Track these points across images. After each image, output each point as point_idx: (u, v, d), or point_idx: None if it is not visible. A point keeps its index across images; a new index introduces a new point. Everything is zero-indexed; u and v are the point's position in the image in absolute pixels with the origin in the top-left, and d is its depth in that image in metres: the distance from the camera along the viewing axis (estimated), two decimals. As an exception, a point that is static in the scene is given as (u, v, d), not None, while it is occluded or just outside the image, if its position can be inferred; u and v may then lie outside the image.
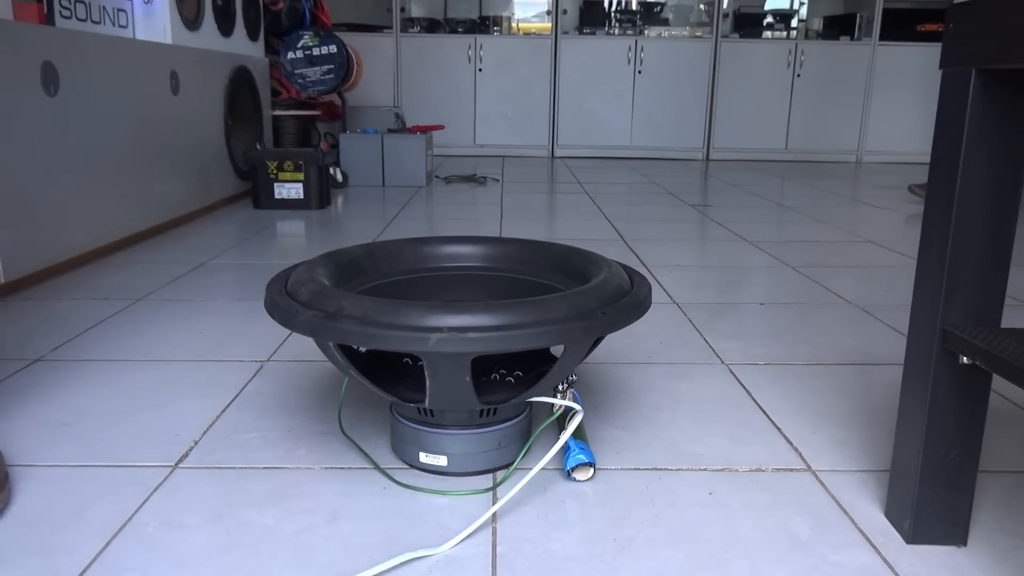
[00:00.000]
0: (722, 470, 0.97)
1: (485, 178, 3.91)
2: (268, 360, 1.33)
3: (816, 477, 0.96)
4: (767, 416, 1.13)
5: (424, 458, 0.95)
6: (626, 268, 1.05)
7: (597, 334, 0.85)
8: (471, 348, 0.77)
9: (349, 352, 0.93)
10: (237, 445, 1.02)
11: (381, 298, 0.80)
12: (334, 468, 0.96)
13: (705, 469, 0.97)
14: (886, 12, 5.04)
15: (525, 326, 0.79)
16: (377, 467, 0.96)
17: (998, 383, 1.24)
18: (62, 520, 0.84)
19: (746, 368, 1.32)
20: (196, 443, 1.02)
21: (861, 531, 0.84)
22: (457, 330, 0.75)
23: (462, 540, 0.81)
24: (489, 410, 0.92)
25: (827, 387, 1.25)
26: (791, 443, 1.05)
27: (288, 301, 0.87)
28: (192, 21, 2.70)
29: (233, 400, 1.16)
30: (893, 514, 0.85)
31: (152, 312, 1.60)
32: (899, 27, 5.05)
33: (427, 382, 0.82)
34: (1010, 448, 1.04)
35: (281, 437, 1.04)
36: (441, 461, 0.94)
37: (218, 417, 1.10)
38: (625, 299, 0.91)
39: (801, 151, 5.22)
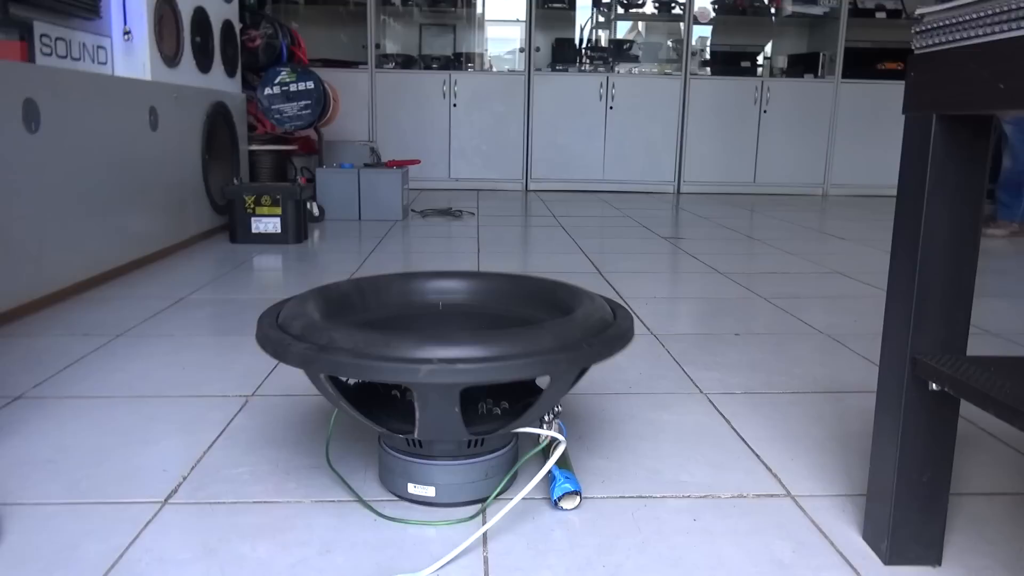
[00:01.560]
0: (705, 497, 1.00)
1: (461, 212, 3.95)
2: (253, 395, 1.34)
3: (796, 502, 0.99)
4: (746, 444, 1.16)
5: (413, 489, 0.96)
6: (609, 301, 1.08)
7: (582, 364, 0.87)
8: (460, 379, 0.79)
9: (338, 385, 0.95)
10: (226, 480, 1.02)
11: (372, 330, 0.82)
12: (324, 501, 0.97)
13: (689, 496, 1.00)
14: (848, 51, 5.21)
15: (512, 357, 0.81)
16: (361, 500, 0.97)
17: (965, 409, 1.29)
18: (53, 558, 0.83)
19: (724, 397, 1.36)
20: (185, 479, 1.03)
21: (840, 553, 0.87)
22: (447, 361, 0.77)
23: (446, 564, 0.82)
24: (477, 441, 0.94)
25: (803, 415, 1.28)
26: (770, 470, 1.08)
27: (280, 334, 0.89)
28: (171, 58, 2.73)
29: (220, 435, 1.17)
30: (870, 536, 0.88)
31: (133, 348, 1.60)
32: (860, 65, 5.23)
33: (417, 413, 0.84)
34: (978, 471, 1.08)
35: (270, 471, 1.05)
36: (429, 492, 0.95)
37: (205, 453, 1.11)
38: (609, 331, 0.94)
39: (769, 184, 5.35)
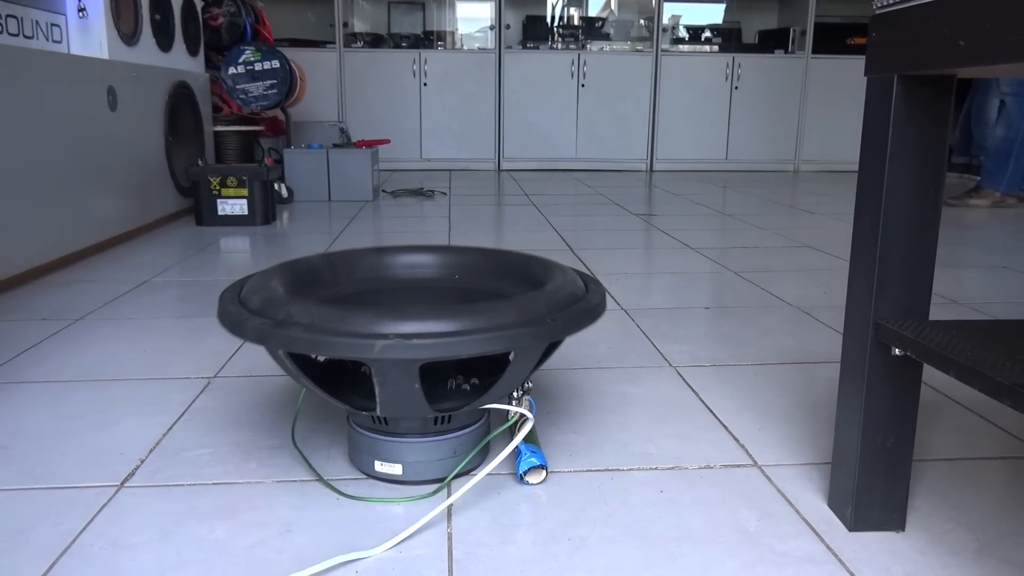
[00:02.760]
0: (672, 468, 0.99)
1: (432, 191, 3.92)
2: (216, 376, 1.31)
3: (762, 471, 0.98)
4: (714, 415, 1.16)
5: (379, 467, 0.95)
6: (582, 275, 1.06)
7: (546, 340, 0.86)
8: (416, 354, 0.77)
9: (307, 361, 0.93)
10: (185, 462, 1.00)
11: (331, 305, 0.80)
12: (287, 481, 0.95)
13: (656, 468, 0.99)
14: (818, 26, 5.22)
15: (471, 332, 0.79)
16: (320, 478, 0.95)
17: (929, 376, 1.30)
18: (1, 544, 0.81)
19: (693, 370, 1.35)
20: (142, 462, 1.00)
21: (806, 521, 0.87)
22: (403, 336, 0.75)
23: (407, 539, 0.81)
24: (443, 418, 0.92)
25: (770, 386, 1.28)
26: (738, 440, 1.07)
27: (239, 309, 0.87)
28: (129, 36, 2.65)
29: (180, 417, 1.14)
30: (835, 503, 0.88)
31: (93, 332, 1.56)
32: (830, 41, 5.24)
33: (376, 389, 0.82)
34: (940, 437, 1.09)
35: (230, 452, 1.03)
36: (396, 470, 0.94)
37: (165, 435, 1.08)
38: (577, 305, 0.93)
39: (741, 161, 5.36)
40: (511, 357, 0.86)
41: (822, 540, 0.83)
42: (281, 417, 1.14)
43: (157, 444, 1.05)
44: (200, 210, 2.89)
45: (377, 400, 0.84)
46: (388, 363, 0.78)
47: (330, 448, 1.04)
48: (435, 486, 0.94)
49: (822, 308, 1.75)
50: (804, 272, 2.15)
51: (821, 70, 5.26)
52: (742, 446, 1.06)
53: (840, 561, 0.79)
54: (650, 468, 0.99)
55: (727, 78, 5.23)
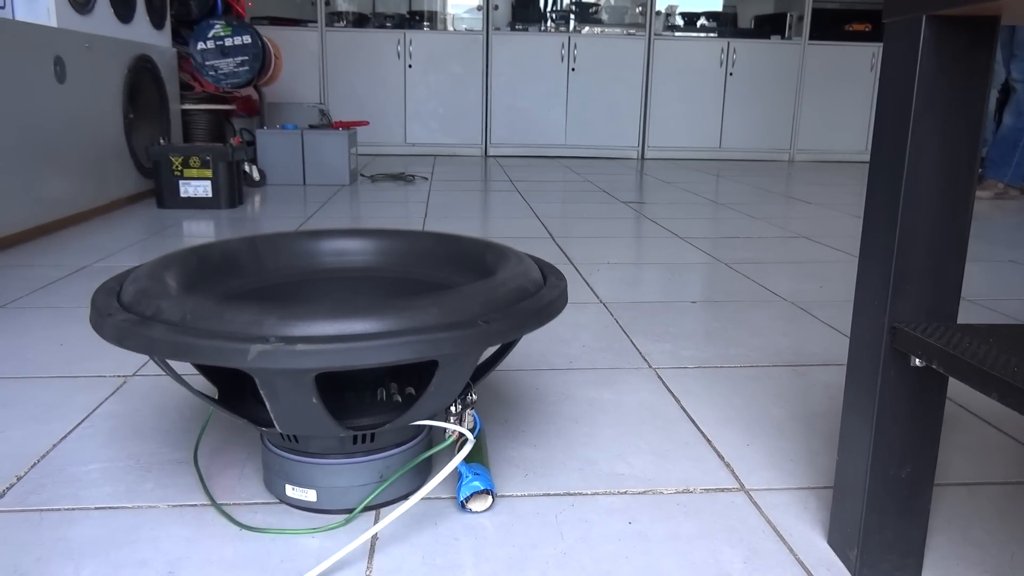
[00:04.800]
0: (645, 493, 0.84)
1: (413, 176, 3.75)
2: (134, 375, 1.16)
3: (750, 497, 0.84)
4: (696, 427, 1.01)
5: (291, 492, 0.79)
6: (543, 265, 0.91)
7: (475, 346, 0.69)
8: (303, 363, 0.61)
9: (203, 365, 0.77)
10: (69, 480, 0.85)
11: (209, 298, 0.65)
12: (184, 506, 0.80)
13: (625, 492, 0.84)
14: (815, 12, 5.06)
15: (378, 336, 0.63)
16: (215, 504, 0.80)
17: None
18: None
19: (675, 372, 1.20)
20: (19, 479, 0.85)
21: (802, 563, 0.72)
22: (286, 340, 0.59)
23: (326, 595, 0.66)
24: (364, 436, 0.77)
25: (762, 391, 1.13)
26: (723, 458, 0.92)
27: (108, 301, 0.71)
28: (82, 4, 2.47)
29: (79, 424, 0.99)
30: (837, 542, 0.73)
31: (9, 322, 1.40)
32: (829, 26, 5.08)
33: (267, 403, 0.66)
34: (957, 456, 0.94)
35: (126, 468, 0.87)
36: (309, 496, 0.78)
37: (55, 446, 0.93)
38: (524, 303, 0.77)
39: (735, 149, 5.21)
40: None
41: (821, 591, 0.68)
42: (196, 425, 0.99)
43: (43, 457, 0.90)
44: (161, 192, 2.72)
45: (272, 415, 0.69)
46: (272, 373, 0.62)
47: (245, 465, 0.89)
48: (363, 515, 0.79)
49: (819, 303, 1.61)
50: (799, 264, 2.00)
51: (819, 57, 5.10)
52: (727, 465, 0.91)
53: (843, 618, 0.64)
54: (618, 492, 0.84)
55: (722, 64, 5.06)
